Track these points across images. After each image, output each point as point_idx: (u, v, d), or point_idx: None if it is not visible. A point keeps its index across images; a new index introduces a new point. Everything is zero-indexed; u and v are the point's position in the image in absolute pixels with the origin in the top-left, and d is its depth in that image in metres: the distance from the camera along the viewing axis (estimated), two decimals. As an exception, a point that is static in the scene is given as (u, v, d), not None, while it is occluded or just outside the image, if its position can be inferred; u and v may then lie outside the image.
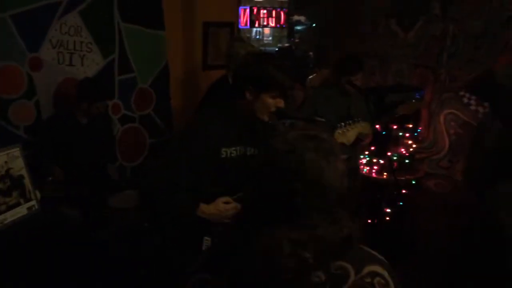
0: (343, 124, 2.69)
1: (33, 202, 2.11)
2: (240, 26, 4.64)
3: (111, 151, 3.48)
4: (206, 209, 1.97)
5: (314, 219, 0.99)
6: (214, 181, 1.98)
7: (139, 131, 3.93)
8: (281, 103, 1.95)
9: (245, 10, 4.66)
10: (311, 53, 7.49)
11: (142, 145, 3.96)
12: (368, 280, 0.97)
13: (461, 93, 4.51)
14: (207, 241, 1.96)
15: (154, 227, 2.88)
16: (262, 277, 0.96)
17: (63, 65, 3.37)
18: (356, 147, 3.48)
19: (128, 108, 3.82)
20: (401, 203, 3.93)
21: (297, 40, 9.31)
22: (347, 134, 2.70)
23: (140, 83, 3.87)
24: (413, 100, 4.32)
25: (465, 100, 4.49)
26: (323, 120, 2.40)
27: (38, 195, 2.10)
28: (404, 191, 3.96)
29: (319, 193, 1.00)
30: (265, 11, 4.98)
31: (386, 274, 1.00)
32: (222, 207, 1.97)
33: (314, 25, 7.86)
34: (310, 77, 4.00)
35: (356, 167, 3.60)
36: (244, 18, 4.66)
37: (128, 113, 3.82)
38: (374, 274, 0.99)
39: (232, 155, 1.99)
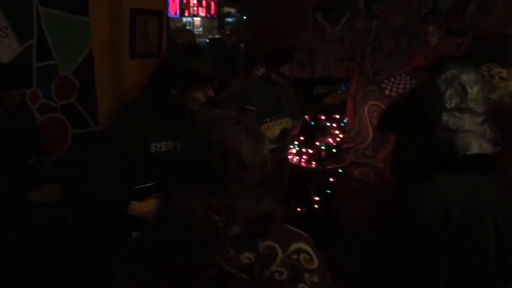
0: (268, 119, 2.80)
1: None
2: (169, 15, 4.54)
3: (34, 143, 3.27)
4: (138, 207, 1.92)
5: (233, 191, 1.01)
6: (145, 177, 1.94)
7: (60, 122, 3.72)
8: (210, 92, 1.96)
9: (174, -2, 4.58)
10: (242, 45, 7.52)
11: (64, 137, 3.76)
12: (295, 257, 1.02)
13: (383, 85, 4.75)
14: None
15: (78, 222, 2.77)
16: (178, 241, 0.98)
17: (-26, 51, 3.10)
18: (284, 139, 3.57)
19: (48, 97, 3.60)
20: (328, 191, 4.08)
21: (227, 32, 9.29)
22: (273, 129, 2.85)
23: (62, 70, 3.66)
24: (339, 92, 4.50)
25: (387, 92, 4.74)
26: (253, 108, 2.44)
27: None
28: (331, 180, 4.11)
29: (237, 164, 1.02)
30: (195, 1, 4.91)
31: (310, 249, 1.06)
32: (154, 207, 1.92)
33: (244, 17, 7.89)
34: (256, 71, 4.06)
35: (284, 157, 3.69)
36: (173, 6, 4.57)
37: (48, 102, 3.60)
38: (300, 251, 1.04)
39: (162, 149, 1.96)
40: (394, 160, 1.58)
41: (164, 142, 1.97)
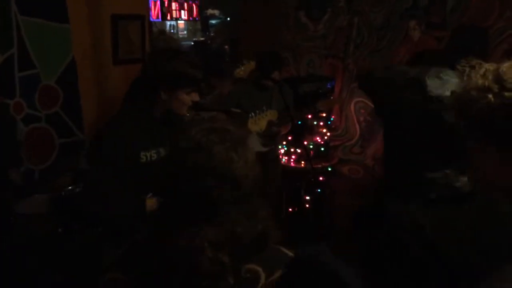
0: (253, 114, 2.82)
1: None
2: (151, 19, 4.51)
3: (15, 154, 3.21)
4: (154, 203, 1.90)
5: (231, 214, 0.97)
6: (138, 188, 1.92)
7: (46, 131, 3.67)
8: (196, 97, 1.95)
9: (155, 2, 4.55)
10: (226, 46, 7.52)
11: (50, 146, 3.71)
12: None
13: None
14: None
15: (69, 232, 2.74)
16: (180, 276, 0.94)
17: (-47, 63, 3.05)
18: (276, 138, 3.58)
19: (32, 107, 3.55)
20: (319, 190, 4.09)
21: (212, 34, 9.28)
22: (259, 122, 2.87)
23: (44, 79, 3.61)
24: (331, 97, 4.54)
25: (372, 88, 4.77)
26: (238, 111, 2.44)
27: None
28: (321, 178, 4.12)
29: (233, 186, 0.98)
30: (176, 4, 4.89)
31: None
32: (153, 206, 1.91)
33: (228, 19, 7.89)
34: (237, 69, 4.04)
35: (277, 157, 3.70)
36: (155, 10, 4.55)
37: (32, 112, 3.55)
38: None
39: (153, 158, 1.95)
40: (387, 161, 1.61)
41: (154, 151, 1.95)
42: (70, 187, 2.87)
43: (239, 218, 0.97)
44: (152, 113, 1.95)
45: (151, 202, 1.91)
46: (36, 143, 3.57)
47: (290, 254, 1.02)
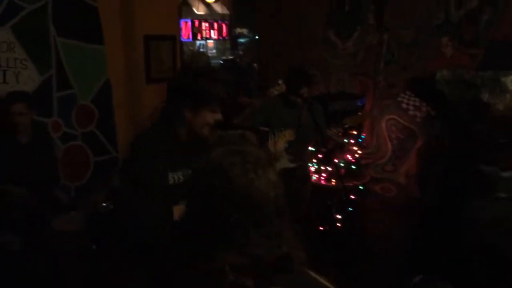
0: (273, 135, 2.84)
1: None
2: (182, 39, 4.60)
3: (52, 172, 3.30)
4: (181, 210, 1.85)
5: (252, 236, 0.94)
6: (167, 211, 1.90)
7: (82, 149, 3.77)
8: (219, 116, 1.91)
9: (186, 22, 4.63)
10: (255, 64, 7.57)
11: (86, 164, 3.80)
12: None
13: (400, 98, 4.71)
14: None
15: (102, 249, 2.77)
16: None
17: (-4, 83, 3.18)
18: (305, 156, 3.55)
19: (69, 125, 3.66)
20: (350, 209, 4.02)
21: (241, 53, 9.36)
22: (277, 144, 2.86)
23: (81, 99, 3.73)
24: (359, 113, 4.49)
25: (404, 106, 4.69)
26: (266, 129, 2.42)
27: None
28: (352, 197, 4.05)
29: (253, 208, 0.95)
30: (207, 24, 4.96)
31: None
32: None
33: (257, 37, 7.96)
34: (271, 89, 4.08)
35: (306, 174, 3.65)
36: (186, 31, 4.63)
37: (69, 130, 3.66)
38: None
39: (180, 180, 1.91)
40: (425, 180, 1.57)
41: (180, 172, 1.92)
42: (104, 204, 2.91)
43: (260, 240, 0.94)
44: (177, 132, 1.92)
45: (178, 210, 1.87)
46: (72, 160, 3.67)
47: (318, 278, 0.99)
